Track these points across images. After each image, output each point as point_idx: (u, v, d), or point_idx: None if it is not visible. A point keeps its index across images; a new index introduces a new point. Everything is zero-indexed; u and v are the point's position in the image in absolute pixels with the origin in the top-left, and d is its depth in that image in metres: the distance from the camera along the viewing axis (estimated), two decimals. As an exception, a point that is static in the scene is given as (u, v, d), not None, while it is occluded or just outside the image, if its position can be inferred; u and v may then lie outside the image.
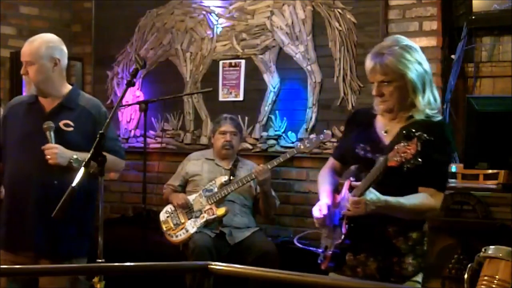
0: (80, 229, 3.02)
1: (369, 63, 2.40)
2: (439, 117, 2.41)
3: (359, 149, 2.42)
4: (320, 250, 2.53)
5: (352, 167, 2.46)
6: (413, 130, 2.15)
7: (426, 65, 2.41)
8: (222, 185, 4.15)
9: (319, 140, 4.11)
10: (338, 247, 2.41)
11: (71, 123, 2.97)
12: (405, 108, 2.40)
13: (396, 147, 2.17)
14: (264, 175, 4.05)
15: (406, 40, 2.42)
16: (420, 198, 2.33)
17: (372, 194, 2.27)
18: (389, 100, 2.38)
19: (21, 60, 3.04)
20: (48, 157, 2.89)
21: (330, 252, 2.44)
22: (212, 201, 4.13)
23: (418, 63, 2.37)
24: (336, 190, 2.55)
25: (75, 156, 2.88)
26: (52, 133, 2.92)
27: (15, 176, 2.99)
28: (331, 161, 2.65)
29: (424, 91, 2.37)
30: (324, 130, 4.21)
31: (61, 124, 2.97)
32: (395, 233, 2.38)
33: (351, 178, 2.39)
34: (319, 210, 2.46)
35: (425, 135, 2.14)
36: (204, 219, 4.11)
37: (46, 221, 2.80)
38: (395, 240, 2.38)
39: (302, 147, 4.11)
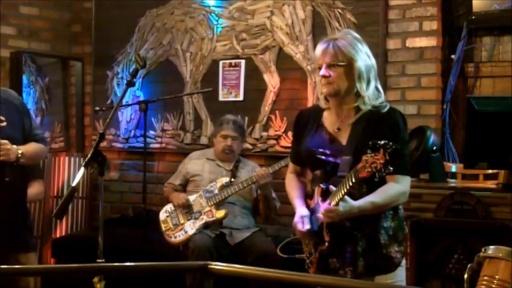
0: (26, 223, 3.01)
1: (320, 47, 2.49)
2: (387, 107, 2.47)
3: (319, 154, 2.46)
4: (304, 256, 2.58)
5: (317, 172, 2.50)
6: (379, 142, 2.19)
7: (373, 61, 2.50)
8: (223, 187, 4.14)
9: None
10: (324, 253, 2.46)
11: (3, 118, 2.89)
12: (351, 99, 2.46)
13: (364, 158, 2.22)
14: (265, 180, 4.02)
15: (356, 34, 2.53)
16: (389, 190, 2.40)
17: (345, 203, 2.34)
18: (335, 82, 2.43)
19: None
20: (0, 153, 2.80)
21: (317, 257, 2.49)
22: (212, 203, 4.12)
23: (367, 56, 2.47)
24: (306, 194, 2.59)
25: (20, 151, 2.83)
26: None
27: None
28: (291, 165, 2.70)
29: (369, 83, 2.45)
30: None
31: None
32: (375, 229, 2.44)
33: (321, 185, 2.44)
34: (301, 223, 2.49)
35: (391, 143, 2.17)
36: (203, 221, 4.10)
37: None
38: (378, 234, 2.43)
39: None
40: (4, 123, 2.88)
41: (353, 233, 2.43)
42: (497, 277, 2.39)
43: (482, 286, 2.41)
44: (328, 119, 2.53)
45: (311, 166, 2.55)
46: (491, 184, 3.56)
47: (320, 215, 2.41)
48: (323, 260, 2.48)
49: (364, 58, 2.45)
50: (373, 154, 2.18)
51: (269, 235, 4.47)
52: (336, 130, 2.49)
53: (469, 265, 2.48)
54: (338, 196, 2.34)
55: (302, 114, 2.69)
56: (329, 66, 2.44)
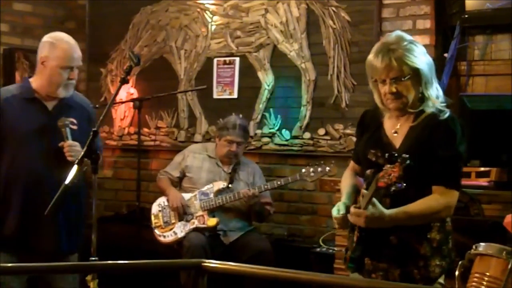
0: (80, 225, 3.05)
1: (380, 60, 2.33)
2: (447, 113, 2.37)
3: (370, 155, 2.41)
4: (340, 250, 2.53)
5: (368, 171, 2.39)
6: (396, 154, 2.13)
7: (430, 58, 2.41)
8: (219, 191, 4.12)
9: (324, 173, 3.98)
10: (354, 251, 2.40)
11: (75, 121, 2.94)
12: (414, 104, 2.38)
13: (384, 168, 2.16)
14: (253, 200, 4.02)
15: (408, 35, 2.41)
16: (430, 202, 2.30)
17: (374, 209, 2.25)
18: (403, 97, 2.34)
19: (75, 65, 2.97)
20: (70, 153, 2.84)
21: (349, 255, 2.43)
22: (206, 208, 4.11)
23: (425, 56, 2.38)
24: (358, 191, 2.51)
25: None
26: (68, 130, 2.88)
27: (23, 176, 2.88)
28: (351, 163, 2.64)
29: (432, 83, 2.38)
30: (332, 163, 4.02)
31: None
32: (416, 238, 2.35)
33: (364, 186, 2.36)
34: (337, 210, 2.43)
35: (408, 161, 2.11)
36: (194, 226, 4.09)
37: (63, 221, 2.82)
38: (418, 245, 2.35)
39: (306, 174, 3.99)
40: (76, 127, 2.93)
41: (388, 238, 2.35)
42: (488, 274, 2.40)
43: (473, 283, 2.42)
44: (389, 122, 2.45)
45: (363, 166, 2.48)
46: (483, 182, 3.58)
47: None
48: (360, 258, 2.40)
49: (425, 61, 2.35)
50: (391, 166, 2.13)
51: (263, 232, 4.48)
52: (393, 133, 2.42)
53: (460, 262, 2.49)
54: (366, 199, 2.25)
55: (366, 113, 2.59)
56: (394, 81, 2.33)
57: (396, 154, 2.13)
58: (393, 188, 2.14)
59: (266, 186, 4.07)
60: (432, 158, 2.30)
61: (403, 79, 2.32)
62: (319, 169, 3.99)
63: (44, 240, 2.89)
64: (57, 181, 2.82)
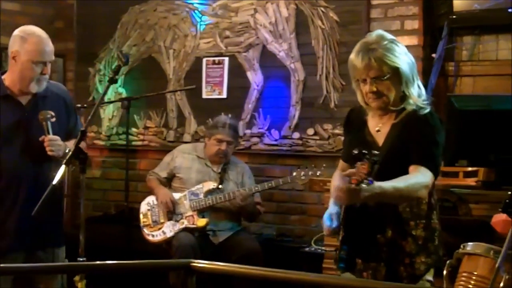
0: (60, 220, 3.04)
1: (360, 59, 2.35)
2: (427, 109, 2.39)
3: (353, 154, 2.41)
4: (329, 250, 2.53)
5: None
6: (364, 152, 2.14)
7: (412, 57, 2.42)
8: (209, 192, 4.12)
9: (315, 176, 3.97)
10: (340, 251, 2.40)
11: (53, 113, 2.87)
12: (396, 102, 2.40)
13: (356, 165, 2.17)
14: (244, 201, 4.02)
15: (388, 34, 2.42)
16: (412, 178, 2.29)
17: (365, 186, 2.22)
18: (384, 96, 2.36)
19: (47, 60, 2.88)
20: (50, 148, 2.81)
21: (338, 254, 2.43)
22: (195, 208, 4.10)
23: (406, 55, 2.38)
24: None
25: (68, 148, 2.81)
26: (49, 124, 2.83)
27: (4, 173, 2.86)
28: (340, 162, 2.65)
29: (413, 82, 2.39)
30: (323, 167, 4.02)
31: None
32: (400, 235, 2.36)
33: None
34: (330, 220, 2.43)
35: (376, 157, 2.12)
36: (183, 226, 4.08)
37: (42, 217, 2.75)
38: (404, 241, 2.36)
39: (297, 177, 3.99)
40: (54, 119, 2.87)
41: (376, 237, 2.37)
42: (475, 273, 2.42)
43: (461, 282, 2.44)
44: (372, 120, 2.47)
45: (350, 165, 2.44)
46: (471, 181, 3.60)
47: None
48: (348, 258, 2.40)
49: (406, 60, 2.37)
50: (362, 163, 2.14)
51: (253, 232, 4.48)
52: (376, 132, 2.44)
53: (448, 261, 2.51)
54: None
55: (352, 112, 2.61)
56: (375, 81, 2.35)
57: (365, 152, 2.15)
58: (363, 184, 2.16)
59: (256, 188, 4.07)
60: (412, 146, 2.31)
61: (383, 78, 2.34)
62: (310, 172, 3.99)
63: (25, 235, 2.87)
64: (37, 176, 2.84)
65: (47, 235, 2.94)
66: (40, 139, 2.83)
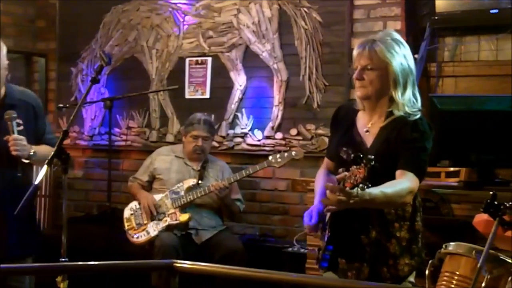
0: (32, 226, 2.96)
1: (357, 48, 2.40)
2: (417, 115, 2.39)
3: (342, 153, 2.40)
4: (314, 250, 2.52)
5: (340, 170, 2.35)
6: (361, 155, 2.13)
7: (412, 64, 2.41)
8: (190, 189, 4.11)
9: (291, 157, 3.99)
10: (325, 251, 2.40)
11: (20, 121, 2.84)
12: (385, 102, 2.40)
13: (351, 169, 2.16)
14: (222, 193, 4.02)
15: (397, 35, 2.43)
16: (399, 184, 2.29)
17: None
18: (368, 86, 2.37)
19: None
20: (15, 148, 2.76)
21: (321, 254, 2.43)
22: (177, 205, 4.09)
23: (404, 58, 2.38)
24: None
25: (33, 150, 2.80)
26: (14, 123, 2.79)
27: None
28: (325, 160, 2.63)
29: (405, 88, 2.38)
30: (298, 147, 4.09)
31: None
32: (384, 236, 2.37)
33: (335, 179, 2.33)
34: (309, 216, 2.41)
35: (373, 162, 2.10)
36: (167, 223, 4.07)
37: (11, 218, 2.72)
38: (388, 243, 2.37)
39: (273, 161, 4.00)
40: (22, 127, 2.83)
41: (360, 237, 2.38)
42: (457, 273, 2.44)
43: (443, 282, 2.45)
44: (361, 119, 2.47)
45: (336, 164, 2.48)
46: (453, 181, 3.63)
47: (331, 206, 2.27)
48: (333, 258, 2.41)
49: (401, 62, 2.36)
50: (357, 167, 2.13)
51: (236, 232, 4.47)
52: (365, 132, 2.44)
53: (430, 261, 2.52)
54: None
55: (340, 109, 2.60)
56: (363, 69, 2.37)
57: (361, 155, 2.14)
58: (358, 189, 2.14)
59: (235, 177, 4.07)
60: (400, 151, 2.32)
61: (369, 68, 2.36)
62: (286, 154, 4.02)
63: None
64: (5, 175, 2.79)
65: (16, 246, 2.84)
66: (5, 138, 2.78)
